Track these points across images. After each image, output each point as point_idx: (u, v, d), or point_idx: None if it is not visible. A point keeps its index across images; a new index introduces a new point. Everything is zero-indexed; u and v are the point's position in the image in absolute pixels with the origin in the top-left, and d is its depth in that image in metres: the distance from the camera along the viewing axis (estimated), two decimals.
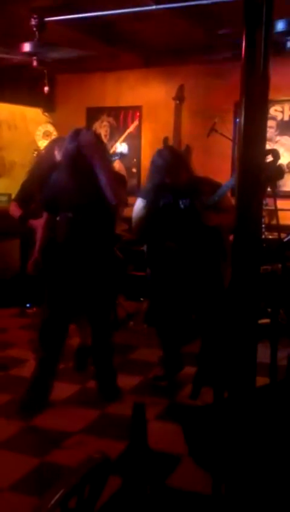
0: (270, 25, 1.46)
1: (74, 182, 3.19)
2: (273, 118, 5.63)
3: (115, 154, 4.17)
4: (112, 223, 3.42)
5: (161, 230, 3.49)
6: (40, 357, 3.38)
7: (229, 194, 3.47)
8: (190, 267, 3.46)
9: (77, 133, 3.19)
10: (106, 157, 3.32)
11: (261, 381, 2.04)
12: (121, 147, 6.33)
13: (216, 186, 3.45)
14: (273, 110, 5.61)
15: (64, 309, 3.35)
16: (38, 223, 3.59)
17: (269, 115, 5.64)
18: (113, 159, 3.85)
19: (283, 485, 1.87)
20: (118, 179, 3.38)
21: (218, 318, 3.35)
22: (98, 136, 3.49)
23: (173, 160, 3.44)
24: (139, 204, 3.55)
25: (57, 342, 3.36)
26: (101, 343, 3.51)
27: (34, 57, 4.17)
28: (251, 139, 1.51)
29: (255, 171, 1.53)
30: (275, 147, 5.25)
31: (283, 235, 3.76)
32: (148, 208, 3.49)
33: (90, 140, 3.16)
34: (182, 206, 3.41)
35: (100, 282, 3.37)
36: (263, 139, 1.54)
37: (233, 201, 2.01)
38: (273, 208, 2.74)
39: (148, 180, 3.64)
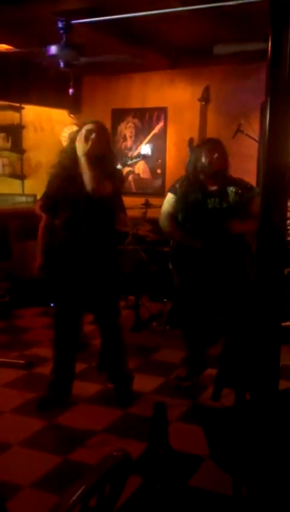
0: None
1: (68, 183, 3.20)
2: None
3: (137, 155, 4.16)
4: (111, 220, 3.37)
5: (187, 227, 3.46)
6: (55, 356, 3.41)
7: (258, 201, 3.44)
8: (215, 267, 3.44)
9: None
10: (101, 149, 3.18)
11: (285, 384, 2.03)
12: (145, 149, 6.34)
13: (249, 188, 3.41)
14: None
15: (71, 309, 3.35)
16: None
17: None
18: (135, 160, 3.84)
19: None
20: (108, 173, 3.22)
21: (242, 320, 3.33)
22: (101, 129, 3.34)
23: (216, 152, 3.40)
24: (169, 199, 3.51)
25: (68, 341, 3.37)
26: (110, 344, 3.50)
27: (61, 59, 4.20)
28: (276, 139, 1.50)
29: (280, 172, 1.52)
30: None
31: None
32: (177, 203, 3.45)
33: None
34: (210, 205, 3.39)
35: (101, 281, 3.34)
36: (288, 139, 1.53)
37: None
38: None
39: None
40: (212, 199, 3.38)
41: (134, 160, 3.64)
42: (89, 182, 3.07)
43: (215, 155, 3.36)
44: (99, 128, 3.15)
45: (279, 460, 1.70)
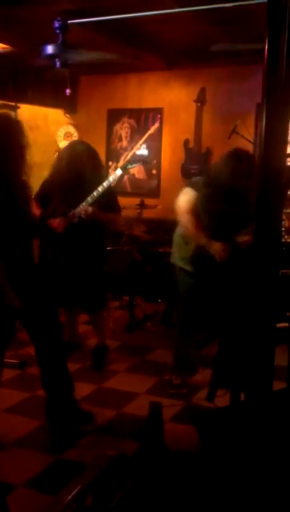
0: None
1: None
2: None
3: (137, 160, 4.14)
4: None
5: (211, 229, 3.36)
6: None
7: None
8: (228, 272, 3.40)
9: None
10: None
11: (279, 385, 2.04)
12: (142, 151, 6.35)
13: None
14: None
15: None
16: (55, 222, 3.63)
17: None
18: (135, 165, 3.82)
19: None
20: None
21: (237, 321, 3.34)
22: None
23: (253, 167, 3.23)
24: (189, 197, 3.36)
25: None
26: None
27: (57, 59, 4.20)
28: (272, 142, 1.51)
29: (275, 174, 1.53)
30: None
31: None
32: (202, 203, 3.33)
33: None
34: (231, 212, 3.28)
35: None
36: (284, 142, 1.54)
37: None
38: None
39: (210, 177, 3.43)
40: (234, 207, 3.28)
41: (134, 165, 3.61)
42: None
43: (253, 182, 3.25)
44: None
45: (274, 460, 1.71)
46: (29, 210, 2.94)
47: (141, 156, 6.32)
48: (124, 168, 3.54)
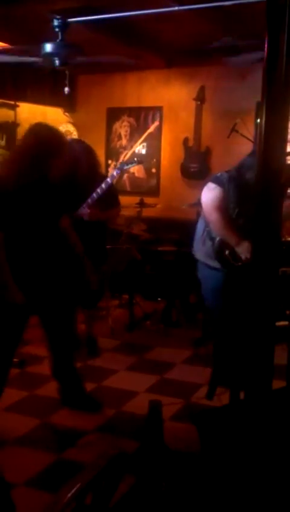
0: None
1: None
2: None
3: (134, 160, 4.11)
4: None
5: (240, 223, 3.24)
6: None
7: None
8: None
9: None
10: None
11: (278, 383, 2.04)
12: (139, 150, 6.34)
13: None
14: None
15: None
16: None
17: None
18: (132, 165, 3.78)
19: None
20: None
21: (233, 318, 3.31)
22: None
23: None
24: (217, 193, 3.23)
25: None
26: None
27: (56, 58, 4.19)
28: (271, 140, 1.51)
29: (275, 172, 1.53)
30: None
31: None
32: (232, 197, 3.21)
33: None
34: None
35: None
36: (283, 140, 1.54)
37: None
38: None
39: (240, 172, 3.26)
40: None
41: (130, 166, 3.57)
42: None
43: None
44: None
45: (273, 458, 1.71)
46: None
47: (138, 155, 6.32)
48: (121, 169, 3.52)
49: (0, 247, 2.74)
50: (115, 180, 3.52)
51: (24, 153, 2.85)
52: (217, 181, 3.26)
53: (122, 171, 3.54)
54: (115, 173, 3.68)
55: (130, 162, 3.76)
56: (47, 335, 3.22)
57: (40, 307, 3.04)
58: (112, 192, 3.82)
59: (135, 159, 4.12)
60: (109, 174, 3.85)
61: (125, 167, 3.61)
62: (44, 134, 2.89)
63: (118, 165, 3.56)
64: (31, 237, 2.85)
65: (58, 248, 2.95)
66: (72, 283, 3.11)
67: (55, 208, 2.93)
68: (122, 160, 6.51)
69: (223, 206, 3.20)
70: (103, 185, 3.57)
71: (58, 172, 2.87)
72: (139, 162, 4.00)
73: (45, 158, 2.81)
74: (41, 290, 2.93)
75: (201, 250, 3.46)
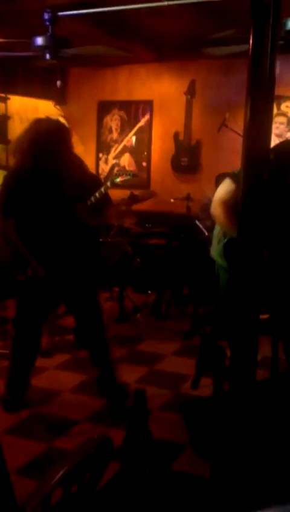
0: (278, 23, 1.48)
1: None
2: (284, 114, 5.64)
3: (125, 172, 4.02)
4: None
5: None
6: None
7: None
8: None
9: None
10: None
11: (262, 374, 2.09)
12: (131, 143, 6.35)
13: None
14: (285, 107, 5.62)
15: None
16: None
17: (280, 111, 5.65)
18: (124, 178, 3.69)
19: (283, 473, 1.91)
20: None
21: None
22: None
23: None
24: (227, 187, 3.29)
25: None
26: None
27: (47, 51, 4.20)
28: (256, 136, 1.54)
29: (259, 168, 1.56)
30: None
31: None
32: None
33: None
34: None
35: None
36: (267, 136, 1.57)
37: None
38: None
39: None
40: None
41: (120, 179, 3.50)
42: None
43: None
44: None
45: (257, 448, 1.76)
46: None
47: (129, 148, 6.33)
48: (112, 182, 3.47)
49: (12, 231, 3.08)
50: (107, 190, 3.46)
51: (36, 144, 3.07)
52: (233, 177, 3.29)
53: (113, 184, 3.49)
54: (108, 184, 3.59)
55: (121, 174, 3.68)
56: (77, 321, 3.53)
57: (63, 290, 3.28)
58: (105, 197, 3.73)
59: (130, 172, 4.09)
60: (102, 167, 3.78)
61: (117, 180, 3.55)
62: (53, 126, 3.18)
63: (112, 177, 3.52)
64: (48, 222, 3.10)
65: (74, 231, 3.17)
66: (91, 263, 3.33)
67: (68, 193, 3.13)
68: (114, 152, 6.53)
69: (231, 201, 3.20)
70: (97, 194, 3.44)
71: (65, 161, 3.10)
72: (133, 175, 3.98)
73: (55, 148, 3.05)
74: (62, 272, 3.18)
75: (216, 249, 3.49)
